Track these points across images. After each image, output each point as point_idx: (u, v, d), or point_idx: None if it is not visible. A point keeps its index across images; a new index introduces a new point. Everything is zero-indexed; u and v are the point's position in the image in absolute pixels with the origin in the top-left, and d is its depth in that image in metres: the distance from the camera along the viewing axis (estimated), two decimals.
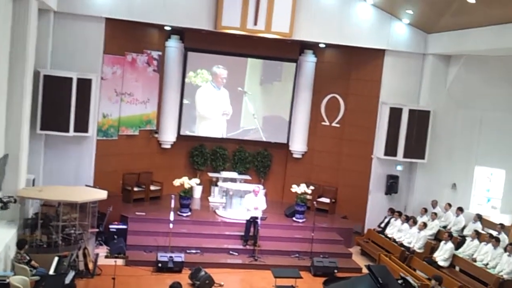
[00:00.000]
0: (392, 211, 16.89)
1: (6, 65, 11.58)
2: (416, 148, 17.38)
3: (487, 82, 16.50)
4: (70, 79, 15.03)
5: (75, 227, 13.39)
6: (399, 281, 11.48)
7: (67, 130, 15.10)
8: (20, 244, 11.56)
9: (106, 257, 12.40)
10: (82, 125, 15.38)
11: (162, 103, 18.46)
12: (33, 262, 11.45)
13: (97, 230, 14.45)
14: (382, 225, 16.82)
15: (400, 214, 16.48)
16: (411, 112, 17.35)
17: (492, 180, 17.15)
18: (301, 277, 12.14)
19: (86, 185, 15.21)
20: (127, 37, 16.97)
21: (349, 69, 18.67)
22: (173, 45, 18.37)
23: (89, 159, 15.89)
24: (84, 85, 15.33)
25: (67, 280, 10.35)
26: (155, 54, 18.11)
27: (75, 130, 15.24)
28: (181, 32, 18.27)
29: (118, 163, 17.14)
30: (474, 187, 17.29)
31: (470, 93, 17.16)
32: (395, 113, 17.46)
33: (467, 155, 17.34)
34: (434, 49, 17.26)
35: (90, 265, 12.93)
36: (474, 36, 15.07)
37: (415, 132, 17.32)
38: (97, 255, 13.77)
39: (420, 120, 17.33)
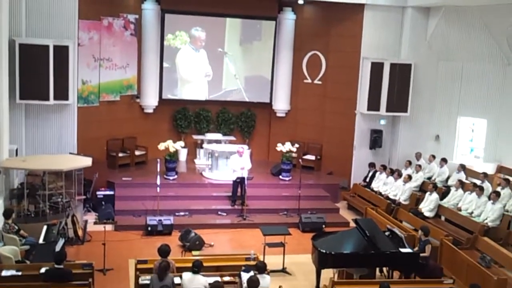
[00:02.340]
0: (373, 165, 17.07)
1: None
2: (398, 102, 17.42)
3: (466, 33, 16.51)
4: (47, 46, 14.74)
5: (62, 195, 13.34)
6: (386, 233, 11.64)
7: (47, 99, 14.89)
8: (6, 213, 11.48)
9: (95, 223, 12.43)
10: (62, 93, 15.15)
11: (142, 67, 18.23)
12: (22, 232, 11.41)
13: (84, 197, 14.47)
14: (367, 179, 16.99)
15: (384, 167, 16.64)
16: (393, 66, 17.33)
17: (475, 130, 17.33)
18: (290, 234, 12.24)
19: (70, 153, 15.11)
20: (102, 1, 16.66)
21: (329, 25, 18.52)
22: (150, 7, 18.03)
23: (71, 127, 15.73)
24: (61, 52, 15.05)
25: (57, 247, 10.34)
26: (131, 17, 17.79)
27: (55, 98, 15.03)
28: None
29: (101, 129, 17.02)
30: (457, 137, 17.45)
31: (450, 44, 17.18)
32: (376, 68, 17.43)
33: (449, 106, 17.45)
34: (413, 1, 17.15)
35: (80, 232, 12.95)
36: None
37: (397, 86, 17.35)
38: (86, 221, 13.78)
39: (401, 73, 17.33)
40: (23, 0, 14.70)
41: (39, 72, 14.73)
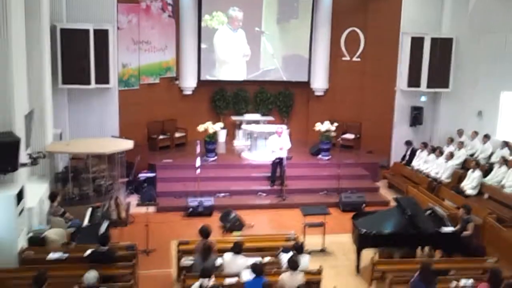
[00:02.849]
0: (409, 143, 16.89)
1: (22, 21, 11.51)
2: (439, 77, 17.09)
3: (509, 5, 16.00)
4: (87, 31, 14.96)
5: (105, 178, 13.60)
6: (427, 212, 11.53)
7: (88, 83, 15.14)
8: (52, 196, 11.76)
9: (138, 205, 12.64)
10: (103, 77, 15.38)
11: (180, 49, 18.37)
12: (67, 215, 11.67)
13: (126, 179, 14.69)
14: (406, 158, 16.80)
15: (425, 145, 16.41)
16: (433, 40, 16.97)
17: None
18: (329, 214, 12.23)
19: (112, 136, 15.36)
20: None
21: (367, 0, 18.22)
22: None
23: (113, 110, 15.96)
24: (101, 36, 15.24)
25: (102, 229, 10.58)
26: None
27: (97, 82, 15.27)
28: None
29: (141, 112, 17.27)
30: (500, 113, 17.01)
31: (493, 17, 16.65)
32: (416, 43, 17.09)
33: (492, 81, 16.96)
34: None
35: (123, 214, 13.20)
36: None
37: (438, 61, 17.00)
38: (128, 203, 14.04)
39: (442, 48, 16.96)
40: None
41: (80, 57, 14.98)
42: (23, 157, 10.68)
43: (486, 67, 17.13)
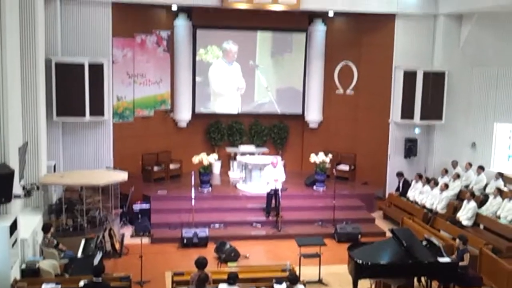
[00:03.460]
0: (401, 175, 16.91)
1: (17, 55, 11.60)
2: (433, 110, 17.25)
3: (500, 38, 16.31)
4: (82, 65, 15.12)
5: (99, 210, 13.54)
6: (423, 243, 11.47)
7: (83, 115, 15.24)
8: (45, 228, 11.68)
9: (132, 236, 12.54)
10: (97, 110, 15.51)
11: (175, 82, 18.49)
12: (61, 246, 11.61)
13: (121, 211, 14.63)
14: (399, 189, 16.80)
15: (420, 176, 16.42)
16: (426, 74, 17.19)
17: None
18: (325, 244, 12.16)
19: (106, 168, 15.35)
20: (135, 19, 16.99)
21: (360, 35, 18.50)
22: (181, 24, 18.31)
23: (107, 142, 16.04)
24: (96, 70, 15.43)
25: (96, 261, 10.48)
26: (164, 33, 18.08)
27: (91, 115, 15.37)
28: (188, 10, 18.17)
29: (136, 144, 17.28)
30: (494, 145, 17.13)
31: (484, 50, 16.93)
32: (409, 77, 17.29)
33: (485, 113, 17.17)
34: (445, 9, 16.99)
35: (117, 245, 13.11)
36: None
37: (431, 94, 17.16)
38: (123, 235, 13.93)
39: (435, 81, 17.16)
40: (58, 19, 15.16)
41: (75, 90, 15.12)
42: (17, 189, 10.64)
43: (479, 99, 17.34)
